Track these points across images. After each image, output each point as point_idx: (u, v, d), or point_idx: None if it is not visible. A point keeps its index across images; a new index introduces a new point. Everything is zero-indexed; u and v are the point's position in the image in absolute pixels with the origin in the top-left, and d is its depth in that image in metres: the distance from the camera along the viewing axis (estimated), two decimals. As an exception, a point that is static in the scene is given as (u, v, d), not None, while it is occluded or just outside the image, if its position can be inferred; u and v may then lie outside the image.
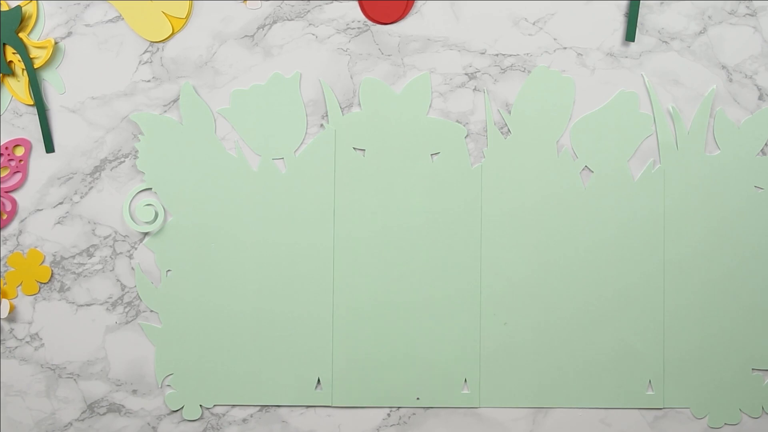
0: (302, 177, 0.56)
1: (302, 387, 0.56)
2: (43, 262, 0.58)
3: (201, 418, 0.57)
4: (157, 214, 0.56)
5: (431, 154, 0.56)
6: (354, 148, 0.56)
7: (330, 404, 0.56)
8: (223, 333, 0.57)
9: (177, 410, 0.57)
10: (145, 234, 0.57)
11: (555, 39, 0.55)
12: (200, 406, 0.57)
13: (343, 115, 0.56)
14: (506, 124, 0.56)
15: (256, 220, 0.56)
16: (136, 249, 0.57)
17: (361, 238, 0.56)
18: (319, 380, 0.56)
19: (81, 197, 0.57)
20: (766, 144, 0.55)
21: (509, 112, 0.56)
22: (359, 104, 0.56)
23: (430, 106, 0.56)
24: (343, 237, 0.56)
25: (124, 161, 0.57)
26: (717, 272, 0.55)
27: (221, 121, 0.56)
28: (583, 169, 0.56)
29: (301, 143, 0.56)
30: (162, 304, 0.57)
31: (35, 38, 0.57)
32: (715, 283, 0.55)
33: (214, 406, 0.57)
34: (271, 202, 0.56)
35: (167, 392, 0.57)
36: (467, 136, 0.56)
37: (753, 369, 0.56)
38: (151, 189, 0.57)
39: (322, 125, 0.56)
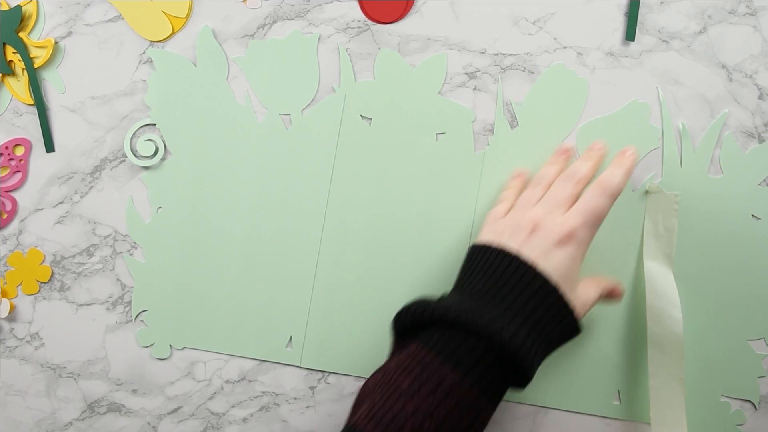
0: (306, 136, 0.56)
1: (273, 343, 0.56)
2: (43, 261, 0.58)
3: (170, 357, 0.57)
4: (157, 150, 0.56)
5: (436, 134, 0.56)
6: (361, 116, 0.56)
7: (298, 364, 0.56)
8: (204, 277, 0.57)
9: (147, 347, 0.57)
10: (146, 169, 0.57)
11: (555, 38, 0.55)
12: (170, 346, 0.57)
13: (356, 82, 0.56)
14: (515, 118, 0.55)
15: (253, 170, 0.56)
16: (136, 249, 0.57)
17: (354, 203, 0.56)
18: (291, 339, 0.56)
19: (81, 197, 0.57)
20: (769, 176, 0.55)
21: (509, 112, 0.56)
22: (373, 75, 0.56)
23: (441, 90, 0.55)
24: (337, 199, 0.56)
25: (124, 161, 0.57)
26: (702, 301, 0.54)
27: (234, 69, 0.56)
28: (584, 169, 0.55)
29: (310, 102, 0.56)
30: (148, 239, 0.57)
31: (35, 38, 0.57)
32: (699, 308, 0.54)
33: (184, 348, 0.57)
34: (272, 155, 0.56)
35: (138, 328, 0.57)
36: (474, 121, 0.55)
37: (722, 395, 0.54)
38: (155, 125, 0.57)
39: (333, 89, 0.56)
